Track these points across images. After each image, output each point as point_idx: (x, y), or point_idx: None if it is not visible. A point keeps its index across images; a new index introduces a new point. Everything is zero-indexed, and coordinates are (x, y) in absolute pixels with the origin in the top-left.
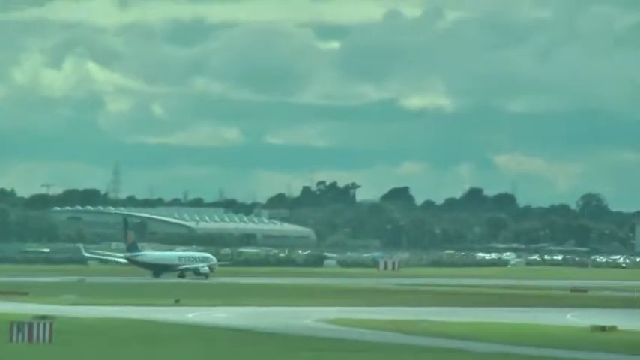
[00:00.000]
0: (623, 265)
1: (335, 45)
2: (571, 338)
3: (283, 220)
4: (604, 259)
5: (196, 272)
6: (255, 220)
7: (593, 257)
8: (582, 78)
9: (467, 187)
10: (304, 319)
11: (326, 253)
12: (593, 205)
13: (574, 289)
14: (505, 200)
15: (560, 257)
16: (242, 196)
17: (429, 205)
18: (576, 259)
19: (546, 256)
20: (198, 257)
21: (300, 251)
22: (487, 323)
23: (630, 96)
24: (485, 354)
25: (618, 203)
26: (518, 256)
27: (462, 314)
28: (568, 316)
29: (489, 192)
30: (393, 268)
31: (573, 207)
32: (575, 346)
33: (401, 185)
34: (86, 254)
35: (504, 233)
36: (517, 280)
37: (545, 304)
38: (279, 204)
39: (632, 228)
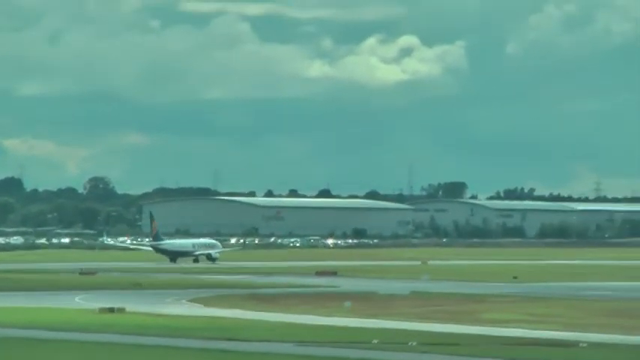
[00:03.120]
0: (132, 247)
1: None
2: (80, 321)
3: None
4: (112, 242)
5: (209, 257)
6: None
7: (101, 239)
8: (91, 61)
9: None
10: None
11: None
12: (100, 187)
13: (82, 272)
14: (12, 184)
15: (67, 240)
16: None
17: None
18: (84, 241)
19: (54, 240)
20: (208, 244)
21: None
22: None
23: (138, 79)
24: None
25: (125, 185)
26: (26, 240)
27: None
28: (77, 299)
29: None
30: None
31: (81, 190)
32: (84, 328)
33: None
34: (108, 241)
35: (12, 217)
36: (22, 265)
37: (53, 288)
38: None
39: (140, 210)
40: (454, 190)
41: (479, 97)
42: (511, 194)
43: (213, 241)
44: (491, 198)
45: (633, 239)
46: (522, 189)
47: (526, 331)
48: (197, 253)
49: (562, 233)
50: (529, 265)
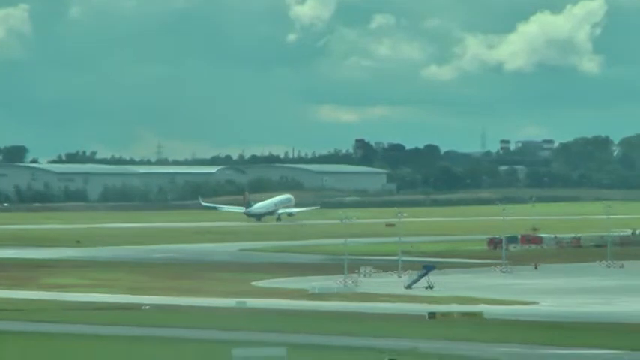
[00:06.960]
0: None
1: None
2: None
3: None
4: None
5: (289, 215)
6: None
7: None
8: None
9: None
10: None
11: None
12: None
13: None
14: None
15: None
16: None
17: None
18: None
19: None
20: (285, 200)
21: None
22: None
23: None
24: None
25: None
26: None
27: None
28: None
29: None
30: None
31: None
32: None
33: None
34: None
35: None
36: None
37: None
38: None
39: None
40: (14, 154)
41: (41, 61)
42: (73, 158)
43: (288, 196)
44: (53, 162)
45: (194, 202)
46: (84, 152)
47: (89, 295)
48: (279, 211)
49: (125, 196)
50: (92, 228)
